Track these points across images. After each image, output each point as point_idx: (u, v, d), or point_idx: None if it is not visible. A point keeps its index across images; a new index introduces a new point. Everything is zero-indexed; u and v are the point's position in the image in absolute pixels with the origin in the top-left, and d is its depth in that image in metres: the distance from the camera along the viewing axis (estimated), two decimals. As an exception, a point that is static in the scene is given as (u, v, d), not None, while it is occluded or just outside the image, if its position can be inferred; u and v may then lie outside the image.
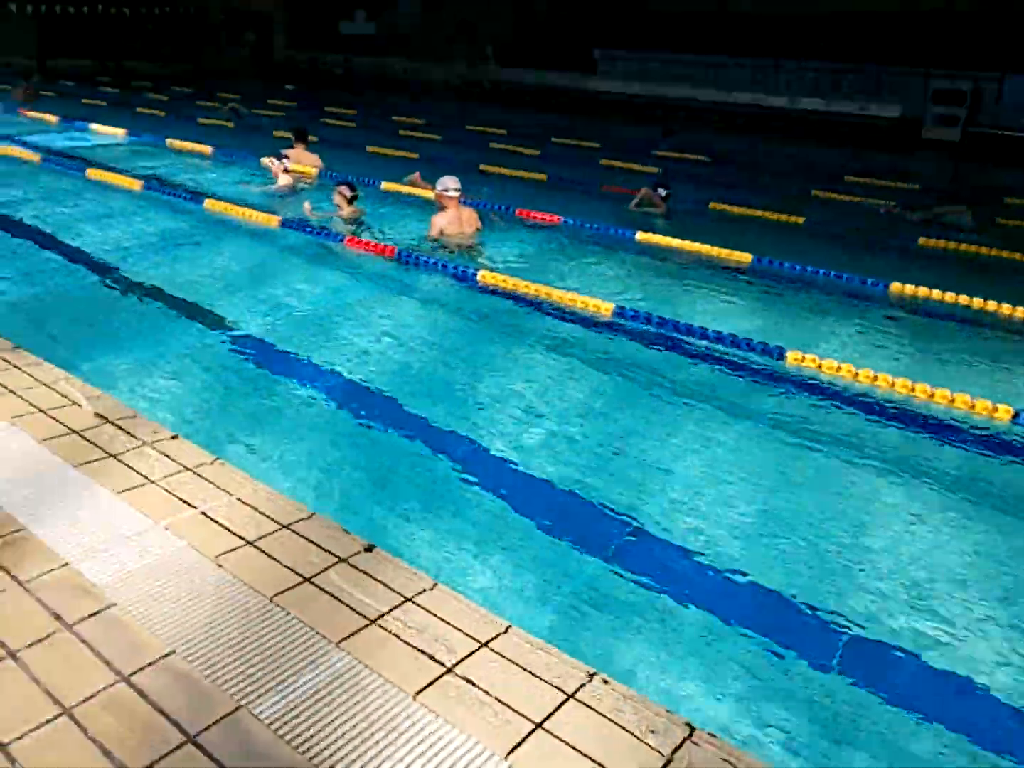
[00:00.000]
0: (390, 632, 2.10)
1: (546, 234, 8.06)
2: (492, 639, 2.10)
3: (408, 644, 2.06)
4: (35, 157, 9.83)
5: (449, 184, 7.36)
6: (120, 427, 3.07)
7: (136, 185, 8.51)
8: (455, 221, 7.49)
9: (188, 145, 11.22)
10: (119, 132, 12.21)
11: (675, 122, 17.45)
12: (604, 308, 5.58)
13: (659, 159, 12.54)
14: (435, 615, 2.18)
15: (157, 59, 29.21)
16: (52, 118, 13.41)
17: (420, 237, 7.35)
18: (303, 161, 9.66)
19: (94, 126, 12.55)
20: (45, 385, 3.39)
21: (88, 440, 2.95)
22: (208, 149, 10.96)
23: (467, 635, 2.10)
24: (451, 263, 6.53)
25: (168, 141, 11.43)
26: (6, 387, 3.31)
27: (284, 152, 9.20)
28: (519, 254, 7.32)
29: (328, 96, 20.94)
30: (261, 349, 4.91)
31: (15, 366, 3.54)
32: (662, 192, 9.05)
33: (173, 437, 3.05)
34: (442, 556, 3.07)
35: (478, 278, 6.20)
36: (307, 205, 7.97)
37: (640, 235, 7.75)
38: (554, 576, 3.04)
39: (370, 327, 5.40)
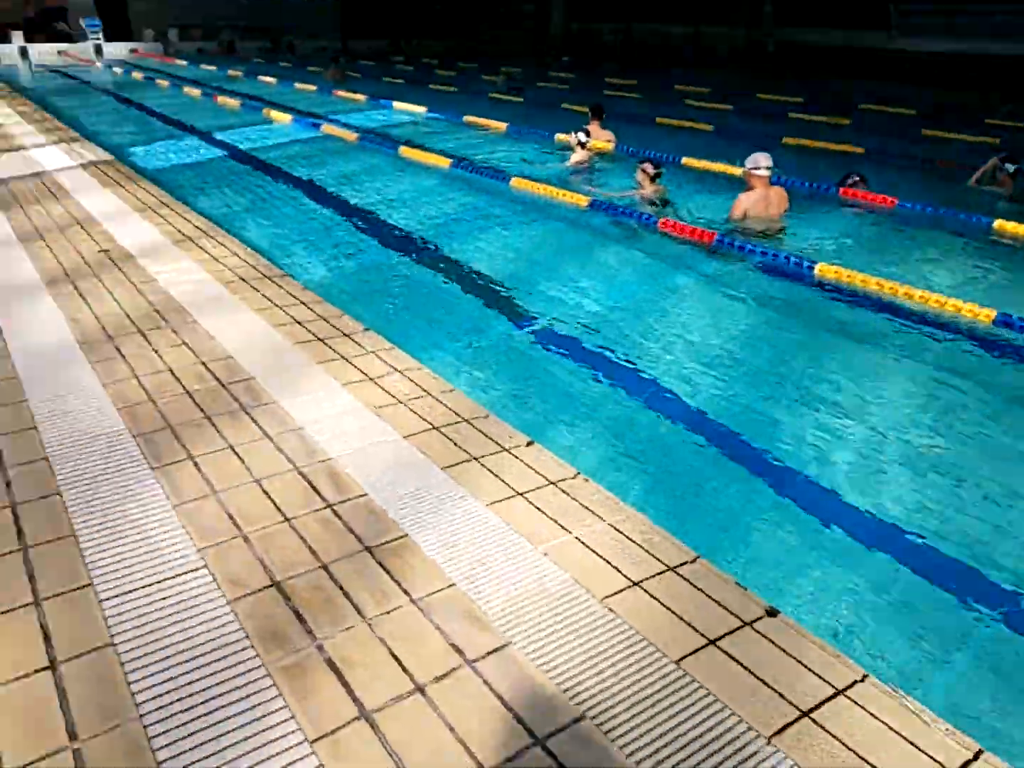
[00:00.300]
0: (827, 732, 1.76)
1: (873, 218, 7.18)
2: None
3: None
4: (352, 136, 10.53)
5: (761, 161, 6.76)
6: (475, 427, 3.00)
7: (444, 163, 8.77)
8: (762, 201, 6.89)
9: (484, 121, 11.49)
10: (420, 109, 12.82)
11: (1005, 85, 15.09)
12: (982, 315, 4.74)
13: (995, 128, 10.84)
14: (868, 712, 1.80)
15: (443, 37, 30.72)
16: (360, 97, 14.43)
17: (721, 219, 6.84)
18: (599, 137, 9.46)
19: (398, 104, 13.30)
20: (399, 372, 3.42)
21: (448, 438, 2.90)
22: (502, 125, 11.14)
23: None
24: (781, 252, 5.94)
25: (465, 118, 11.79)
26: (367, 375, 3.38)
27: (585, 128, 9.05)
28: (840, 242, 6.56)
29: (606, 67, 20.77)
30: (578, 344, 4.72)
31: (369, 351, 3.62)
32: (1009, 167, 7.73)
33: (529, 443, 2.91)
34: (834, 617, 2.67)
35: (815, 271, 5.58)
36: (601, 191, 7.74)
37: (999, 223, 6.63)
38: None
39: (689, 322, 5.05)
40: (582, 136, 9.01)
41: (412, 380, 3.35)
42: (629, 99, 14.71)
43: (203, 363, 3.44)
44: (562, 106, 13.16)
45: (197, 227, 5.62)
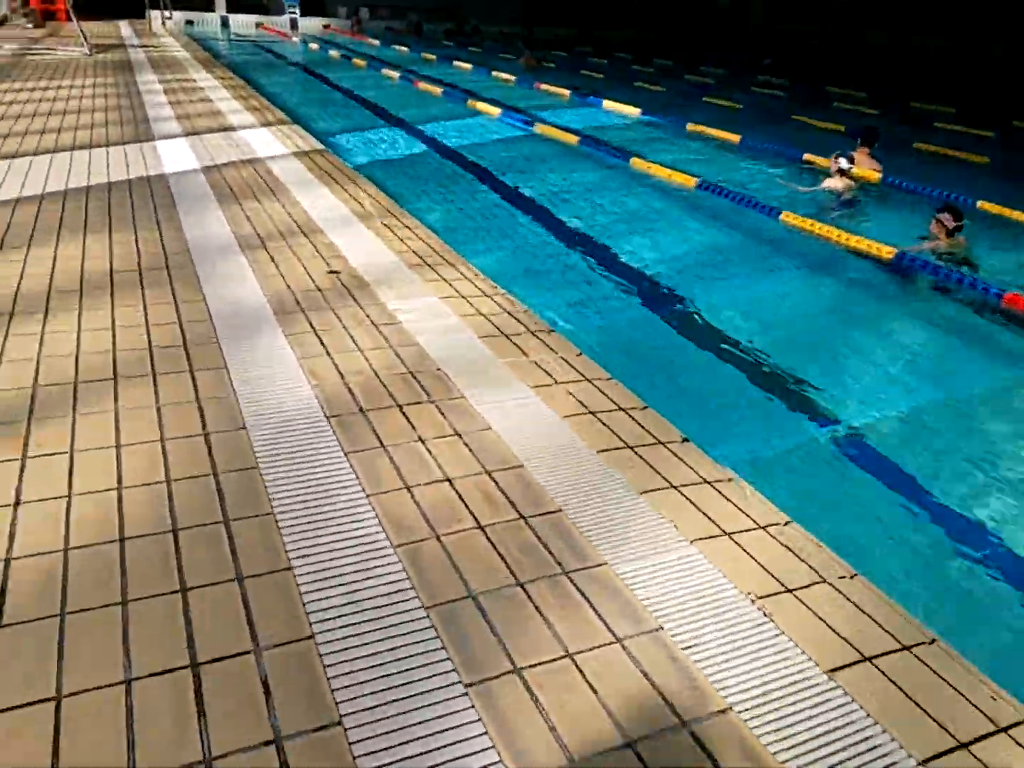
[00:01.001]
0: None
1: None
2: None
3: None
4: (571, 139, 9.58)
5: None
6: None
7: (687, 182, 7.67)
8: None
9: (712, 132, 10.28)
10: (633, 111, 11.76)
11: None
12: None
13: None
14: None
15: (630, 27, 29.42)
16: (564, 92, 13.51)
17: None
18: (864, 166, 8.10)
19: (608, 104, 12.29)
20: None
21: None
22: (734, 137, 9.90)
23: None
24: None
25: (689, 125, 10.62)
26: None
27: (850, 153, 7.72)
28: None
29: (818, 71, 18.77)
30: (885, 462, 3.58)
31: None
32: None
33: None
34: None
35: None
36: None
37: None
38: None
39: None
40: (844, 163, 7.69)
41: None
42: (866, 115, 13.06)
43: (488, 473, 2.54)
44: (792, 117, 11.74)
45: (431, 247, 4.80)
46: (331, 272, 4.27)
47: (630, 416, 2.94)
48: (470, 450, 2.67)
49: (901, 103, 14.19)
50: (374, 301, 3.90)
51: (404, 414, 2.88)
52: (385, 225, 5.17)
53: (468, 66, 17.04)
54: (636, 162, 8.30)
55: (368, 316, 3.72)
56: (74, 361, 3.10)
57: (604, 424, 2.86)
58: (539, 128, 10.18)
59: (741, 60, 20.87)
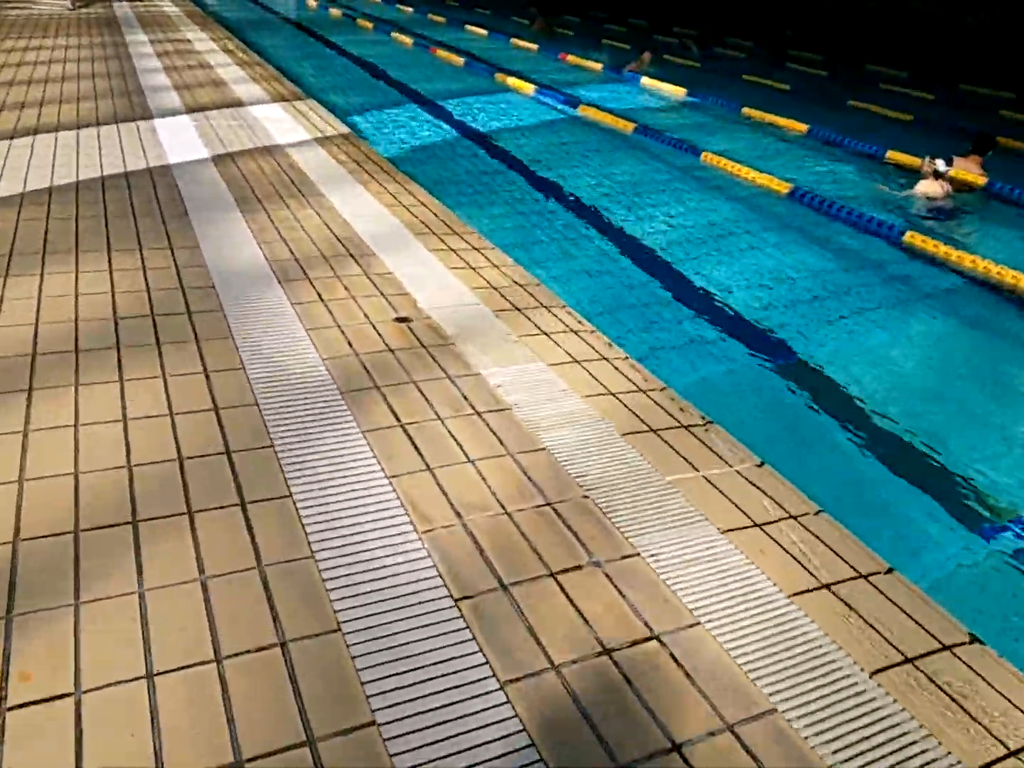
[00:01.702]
0: None
1: None
2: None
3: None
4: (625, 126, 8.53)
5: None
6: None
7: (780, 188, 6.67)
8: None
9: (771, 118, 9.29)
10: (677, 91, 10.72)
11: None
12: None
13: None
14: None
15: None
16: (594, 65, 12.43)
17: None
18: (965, 169, 7.17)
19: (647, 81, 11.23)
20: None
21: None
22: (802, 127, 8.93)
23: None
24: None
25: (745, 109, 9.62)
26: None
27: (952, 156, 6.80)
28: None
29: (850, 44, 17.52)
30: None
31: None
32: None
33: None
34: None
35: None
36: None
37: None
38: None
39: None
40: (941, 164, 6.77)
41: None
42: (923, 100, 12.06)
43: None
44: (848, 102, 10.74)
45: (514, 281, 3.86)
46: (399, 320, 3.32)
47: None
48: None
49: (948, 85, 13.23)
50: (465, 369, 2.97)
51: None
52: (448, 247, 4.20)
53: (483, 32, 15.84)
54: (709, 158, 7.31)
55: (466, 399, 2.79)
56: (73, 492, 2.16)
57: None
58: (583, 110, 9.14)
59: (762, 30, 19.63)
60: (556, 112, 9.25)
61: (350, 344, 3.08)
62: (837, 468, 3.54)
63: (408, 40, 13.94)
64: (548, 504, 2.27)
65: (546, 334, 3.32)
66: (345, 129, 6.68)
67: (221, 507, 2.14)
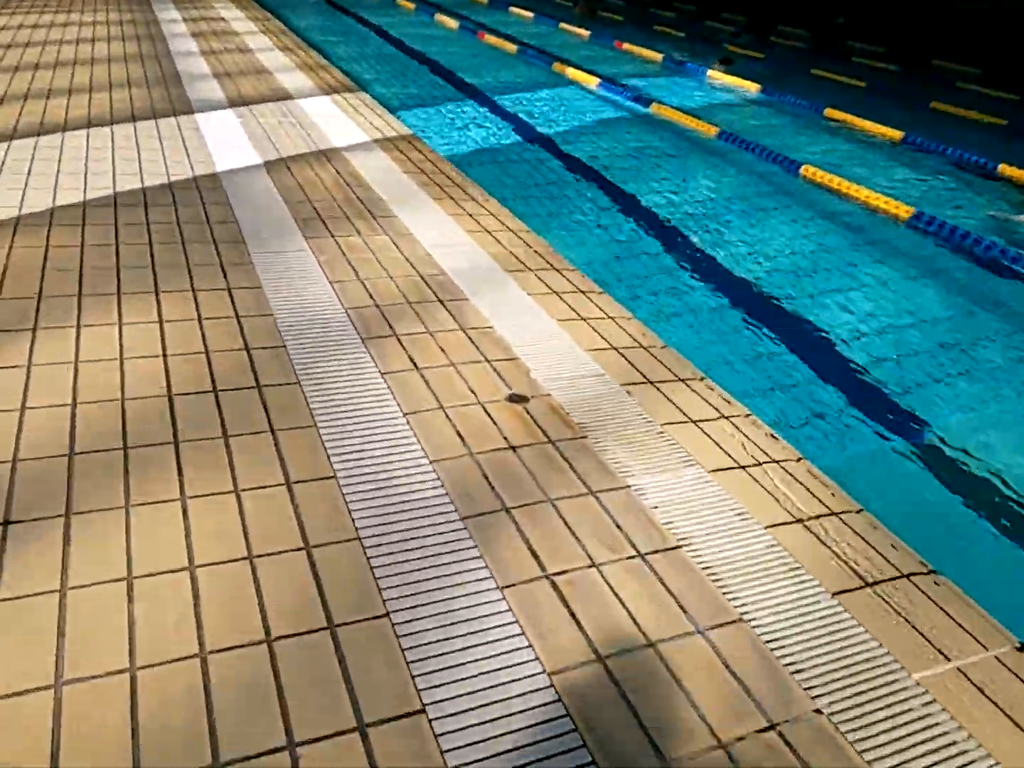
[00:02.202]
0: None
1: None
2: None
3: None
4: (708, 130, 7.79)
5: None
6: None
7: (899, 212, 5.94)
8: None
9: (857, 122, 8.51)
10: (749, 87, 9.95)
11: None
12: None
13: None
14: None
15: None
16: (653, 55, 11.67)
17: None
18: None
19: (713, 74, 10.47)
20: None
21: None
22: (896, 134, 8.17)
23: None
24: None
25: (828, 110, 8.86)
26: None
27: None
28: None
29: (912, 37, 16.62)
30: None
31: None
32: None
33: None
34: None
35: None
36: None
37: None
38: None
39: None
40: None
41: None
42: (1006, 101, 11.22)
43: None
44: (930, 105, 9.95)
45: (627, 332, 3.23)
46: (513, 400, 2.70)
47: None
48: None
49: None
50: (612, 481, 2.35)
51: None
52: (550, 289, 3.57)
53: (528, 14, 15.05)
54: (811, 172, 6.58)
55: (621, 529, 2.17)
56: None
57: None
58: (656, 109, 8.41)
59: (813, 17, 18.64)
60: (623, 110, 8.52)
61: (462, 438, 2.46)
62: None
63: (453, 23, 13.20)
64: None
65: (693, 422, 2.68)
66: (404, 129, 6.03)
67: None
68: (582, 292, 3.59)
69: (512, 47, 11.29)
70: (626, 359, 3.04)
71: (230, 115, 5.85)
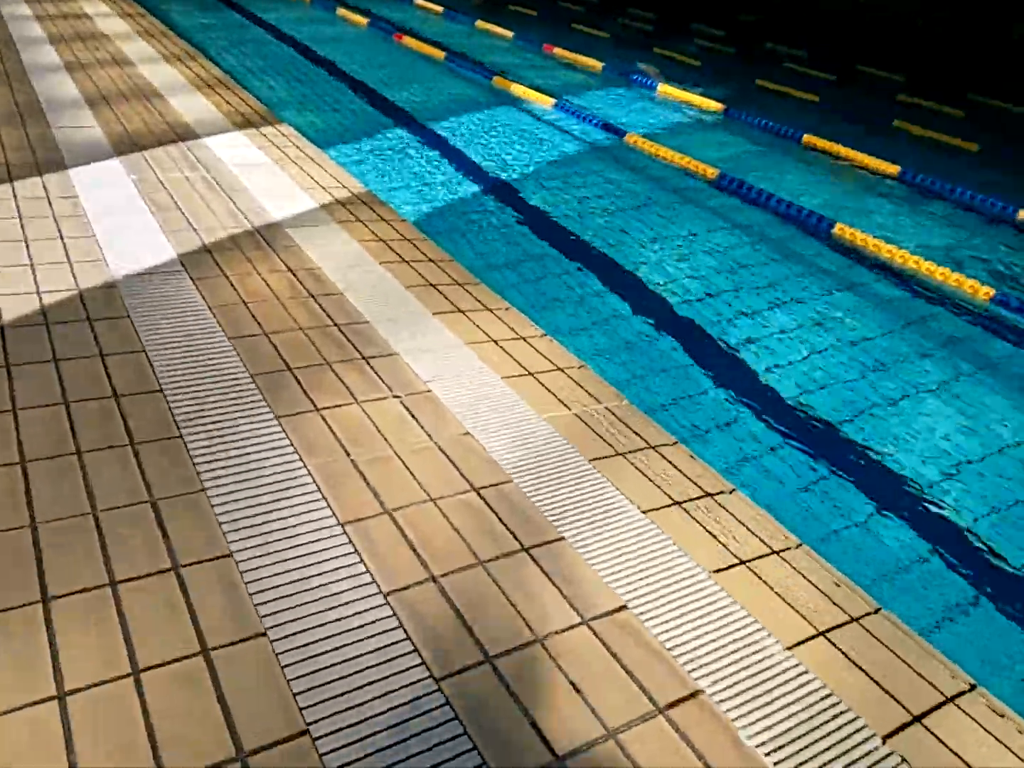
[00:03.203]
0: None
1: None
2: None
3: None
4: (707, 172, 6.67)
5: None
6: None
7: (976, 292, 4.95)
8: None
9: (852, 155, 7.64)
10: (711, 106, 8.94)
11: None
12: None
13: None
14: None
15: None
16: (591, 62, 10.52)
17: None
18: None
19: (666, 89, 9.41)
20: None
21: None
22: (892, 168, 7.34)
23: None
24: None
25: (807, 138, 7.96)
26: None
27: None
28: None
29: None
30: None
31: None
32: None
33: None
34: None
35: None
36: None
37: None
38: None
39: None
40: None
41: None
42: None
43: None
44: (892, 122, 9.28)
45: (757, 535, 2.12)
46: None
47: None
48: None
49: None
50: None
51: None
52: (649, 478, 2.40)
53: (438, 8, 13.61)
54: (845, 233, 5.58)
55: None
56: None
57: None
58: (632, 140, 7.26)
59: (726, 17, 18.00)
60: (584, 134, 7.34)
61: None
62: None
63: (361, 19, 11.63)
64: None
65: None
66: (355, 184, 4.66)
67: None
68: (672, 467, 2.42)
69: (438, 53, 9.91)
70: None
71: (118, 169, 4.33)
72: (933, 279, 5.08)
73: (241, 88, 6.46)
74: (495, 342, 3.08)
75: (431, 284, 3.48)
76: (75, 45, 7.15)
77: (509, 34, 12.07)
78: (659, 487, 2.37)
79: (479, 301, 3.40)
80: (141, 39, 7.81)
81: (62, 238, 3.44)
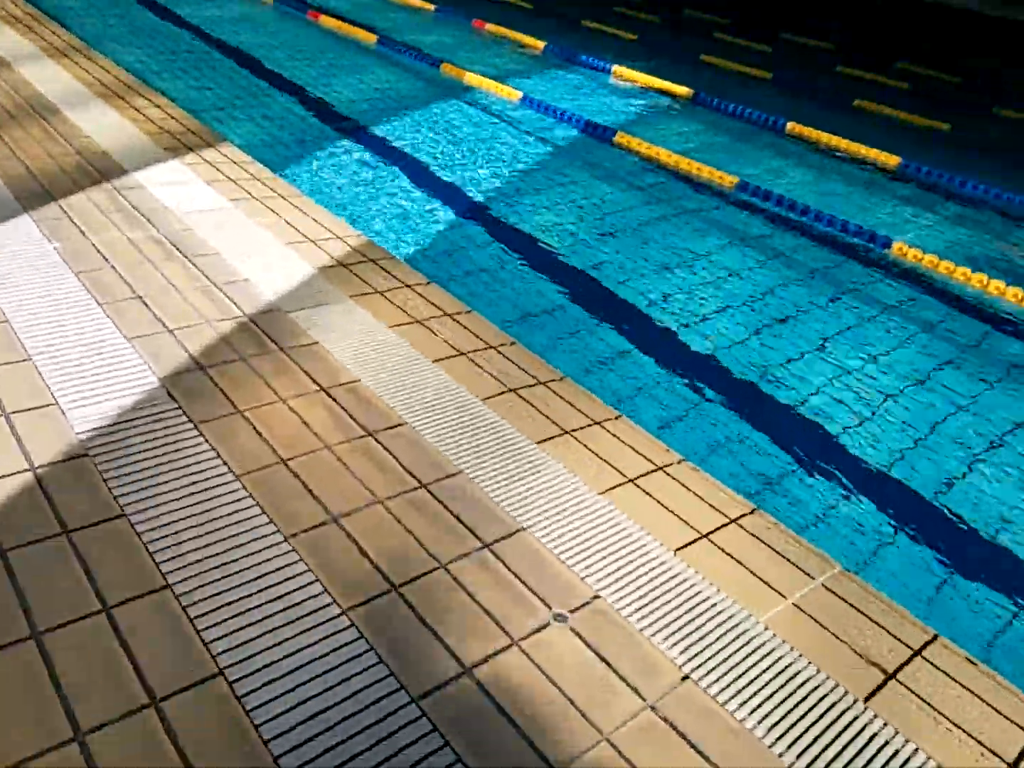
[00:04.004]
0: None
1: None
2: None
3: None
4: (717, 177, 5.84)
5: None
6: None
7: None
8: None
9: (860, 149, 7.01)
10: (679, 91, 8.15)
11: None
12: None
13: None
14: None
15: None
16: (531, 41, 9.54)
17: None
18: None
19: (622, 71, 8.57)
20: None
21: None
22: (892, 159, 6.77)
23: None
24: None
25: (791, 126, 7.30)
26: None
27: None
28: None
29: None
30: None
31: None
32: None
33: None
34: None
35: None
36: None
37: None
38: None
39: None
40: None
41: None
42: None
43: None
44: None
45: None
46: None
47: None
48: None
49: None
50: None
51: None
52: None
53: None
54: (903, 250, 4.93)
55: None
56: None
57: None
58: (623, 138, 6.40)
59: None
60: (561, 130, 6.45)
61: None
62: None
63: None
64: None
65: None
66: (345, 228, 3.65)
67: None
68: None
69: (371, 37, 8.70)
70: None
71: (30, 233, 3.19)
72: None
73: (158, 94, 5.24)
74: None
75: (508, 388, 2.59)
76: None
77: (430, 6, 10.93)
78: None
79: (564, 401, 2.54)
80: (6, 25, 6.36)
81: (-19, 370, 2.35)
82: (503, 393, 2.58)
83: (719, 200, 5.67)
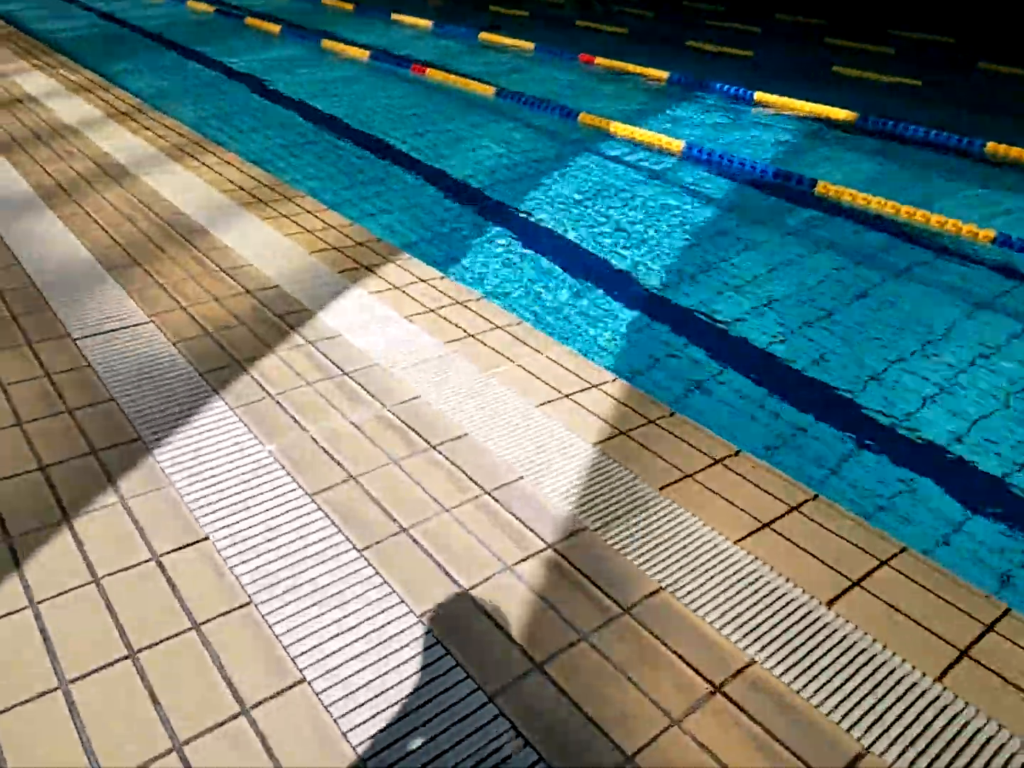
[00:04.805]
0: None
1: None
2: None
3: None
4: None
5: None
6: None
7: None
8: None
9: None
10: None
11: None
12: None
13: None
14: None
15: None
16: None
17: None
18: None
19: (763, 97, 7.70)
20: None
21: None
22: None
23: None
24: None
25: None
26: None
27: None
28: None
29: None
30: None
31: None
32: None
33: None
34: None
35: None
36: None
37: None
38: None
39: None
40: None
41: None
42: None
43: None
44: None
45: None
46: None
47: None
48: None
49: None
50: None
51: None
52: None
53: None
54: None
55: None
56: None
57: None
58: (825, 188, 5.50)
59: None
60: (733, 192, 5.61)
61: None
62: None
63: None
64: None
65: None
66: (609, 377, 2.87)
67: None
68: None
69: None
70: None
71: (234, 426, 2.48)
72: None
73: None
74: None
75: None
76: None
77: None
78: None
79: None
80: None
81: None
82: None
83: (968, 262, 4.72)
